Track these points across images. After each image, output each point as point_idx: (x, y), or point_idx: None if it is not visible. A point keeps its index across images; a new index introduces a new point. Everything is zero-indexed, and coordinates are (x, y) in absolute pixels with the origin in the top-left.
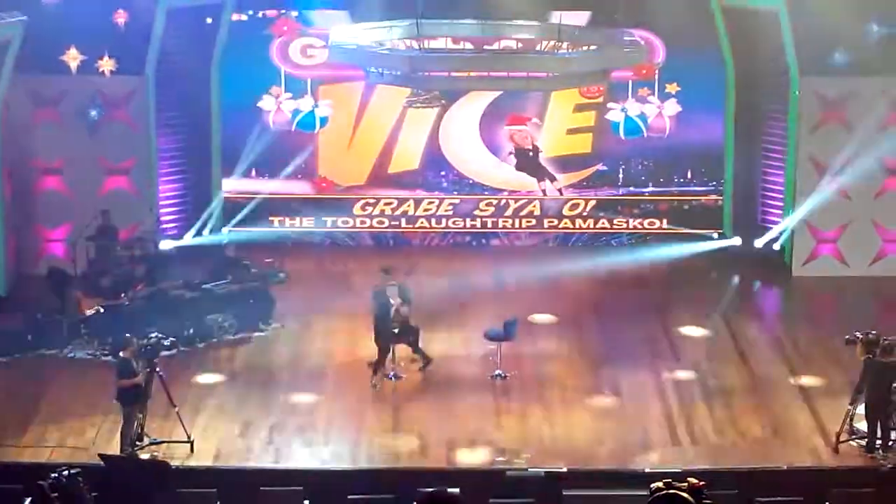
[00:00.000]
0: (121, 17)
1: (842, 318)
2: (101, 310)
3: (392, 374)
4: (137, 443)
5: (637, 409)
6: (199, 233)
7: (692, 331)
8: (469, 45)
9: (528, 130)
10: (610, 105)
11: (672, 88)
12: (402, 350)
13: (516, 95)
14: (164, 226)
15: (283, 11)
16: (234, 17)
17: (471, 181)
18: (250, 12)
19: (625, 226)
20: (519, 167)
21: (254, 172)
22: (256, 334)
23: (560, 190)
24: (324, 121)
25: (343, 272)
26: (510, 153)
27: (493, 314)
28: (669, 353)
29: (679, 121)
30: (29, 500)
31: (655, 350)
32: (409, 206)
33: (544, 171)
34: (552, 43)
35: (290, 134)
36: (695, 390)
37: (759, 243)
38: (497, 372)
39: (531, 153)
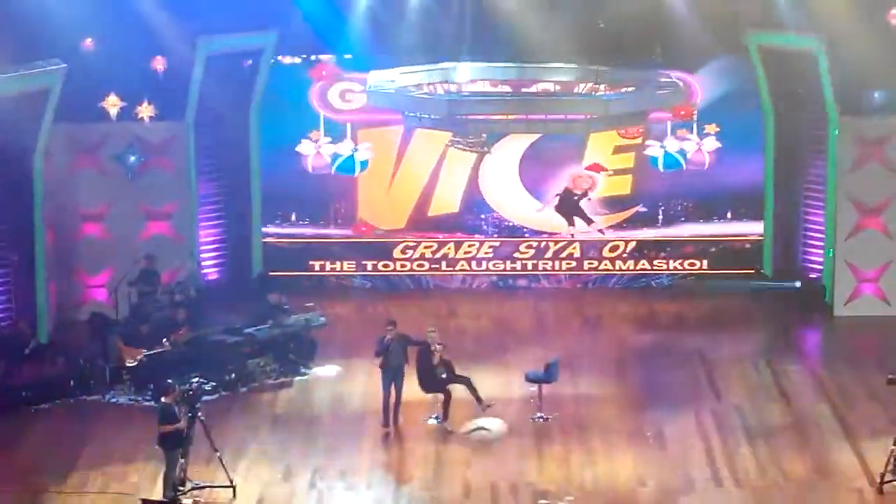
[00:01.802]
0: (159, 64)
1: (884, 357)
2: (144, 360)
3: (435, 417)
4: (180, 488)
5: (679, 451)
6: (239, 277)
7: (734, 371)
8: (507, 88)
9: (595, 178)
10: (649, 143)
11: (711, 129)
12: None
13: (556, 138)
14: (205, 270)
15: (323, 56)
16: (273, 61)
17: (510, 223)
18: (290, 57)
19: (665, 267)
20: (560, 210)
21: (294, 217)
22: (298, 378)
23: (602, 230)
24: (364, 164)
25: (383, 316)
26: (557, 195)
27: (534, 356)
28: (711, 394)
29: (718, 158)
30: None
31: (697, 391)
32: (449, 248)
33: (584, 215)
34: (590, 85)
35: (330, 178)
36: (737, 431)
37: (800, 283)
38: (538, 414)
39: (576, 198)
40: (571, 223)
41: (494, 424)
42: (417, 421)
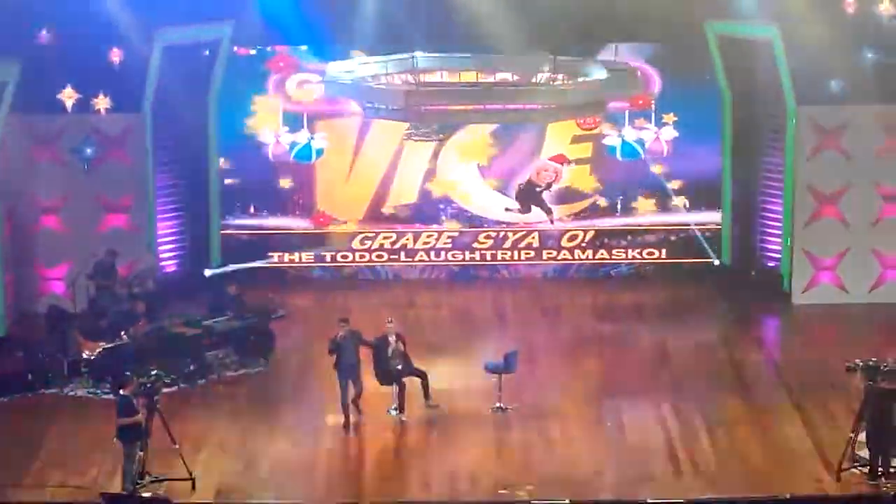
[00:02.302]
0: (116, 56)
1: (842, 344)
2: (102, 352)
3: (395, 408)
4: (139, 481)
5: (639, 440)
6: (197, 269)
7: (693, 360)
8: (466, 79)
9: (559, 170)
10: (606, 132)
11: (669, 119)
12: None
13: (514, 127)
14: (163, 262)
15: (279, 47)
16: (230, 52)
17: (469, 213)
18: (247, 48)
19: (623, 256)
20: (519, 200)
21: (252, 209)
22: (257, 370)
23: (553, 221)
24: (319, 152)
25: (343, 306)
26: (519, 184)
27: (493, 347)
28: (670, 383)
29: (676, 147)
30: None
31: (656, 380)
32: (407, 239)
33: (544, 205)
34: (548, 75)
35: (289, 169)
36: (697, 420)
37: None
38: (498, 405)
39: (539, 188)
40: (527, 211)
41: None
42: (377, 412)
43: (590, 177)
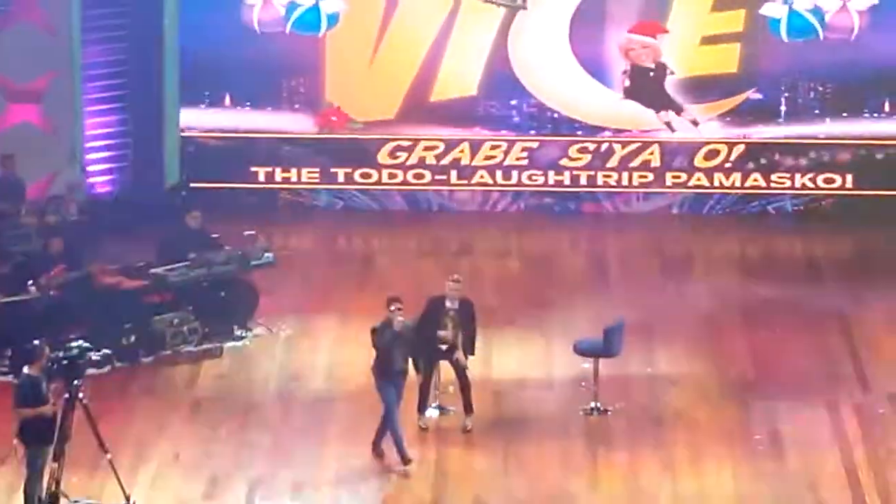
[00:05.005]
0: None
1: None
2: None
3: (436, 406)
4: None
5: (806, 462)
6: (145, 189)
7: (890, 345)
8: None
9: (655, 45)
10: None
11: None
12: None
13: None
14: (93, 179)
15: None
16: None
17: (555, 115)
18: None
19: (789, 184)
20: (630, 93)
21: (228, 100)
22: (230, 344)
23: (694, 121)
24: (332, 19)
25: (362, 251)
26: (624, 72)
27: (587, 316)
28: (855, 380)
29: (874, 19)
30: None
31: (833, 375)
32: (461, 151)
33: (668, 100)
34: None
35: (284, 40)
36: (891, 435)
37: None
38: (593, 404)
39: (653, 73)
40: (661, 111)
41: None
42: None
43: (740, 63)
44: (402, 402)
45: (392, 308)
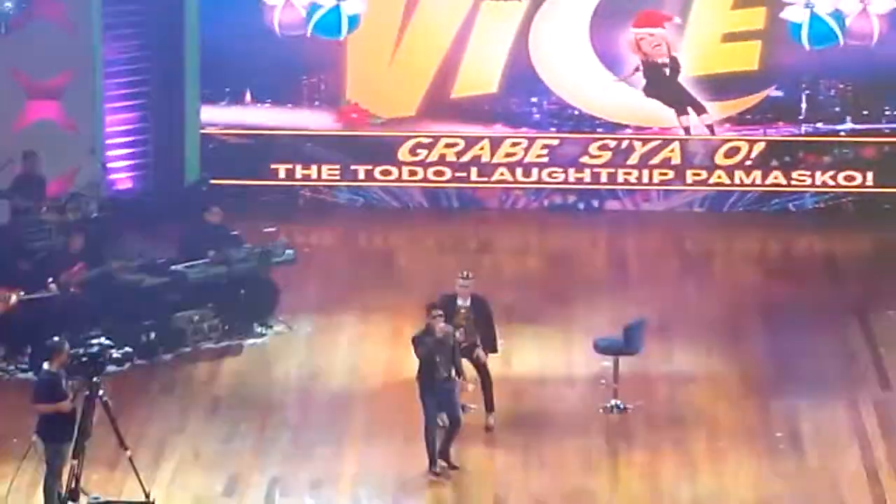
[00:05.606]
0: None
1: None
2: (19, 307)
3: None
4: (70, 503)
5: (826, 460)
6: (165, 186)
7: None
8: None
9: (664, 36)
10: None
11: None
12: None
13: None
14: (113, 175)
15: None
16: None
17: (577, 112)
18: None
19: (809, 182)
20: (650, 92)
21: (249, 97)
22: (250, 342)
23: (711, 127)
24: (353, 21)
25: (382, 249)
26: (636, 69)
27: (607, 314)
28: (875, 377)
29: (893, 20)
30: None
31: (854, 373)
32: (482, 148)
33: (688, 98)
34: None
35: (305, 41)
36: None
37: None
38: (613, 402)
39: (667, 70)
40: (682, 112)
41: None
42: None
43: (760, 61)
44: (458, 414)
45: (433, 315)
